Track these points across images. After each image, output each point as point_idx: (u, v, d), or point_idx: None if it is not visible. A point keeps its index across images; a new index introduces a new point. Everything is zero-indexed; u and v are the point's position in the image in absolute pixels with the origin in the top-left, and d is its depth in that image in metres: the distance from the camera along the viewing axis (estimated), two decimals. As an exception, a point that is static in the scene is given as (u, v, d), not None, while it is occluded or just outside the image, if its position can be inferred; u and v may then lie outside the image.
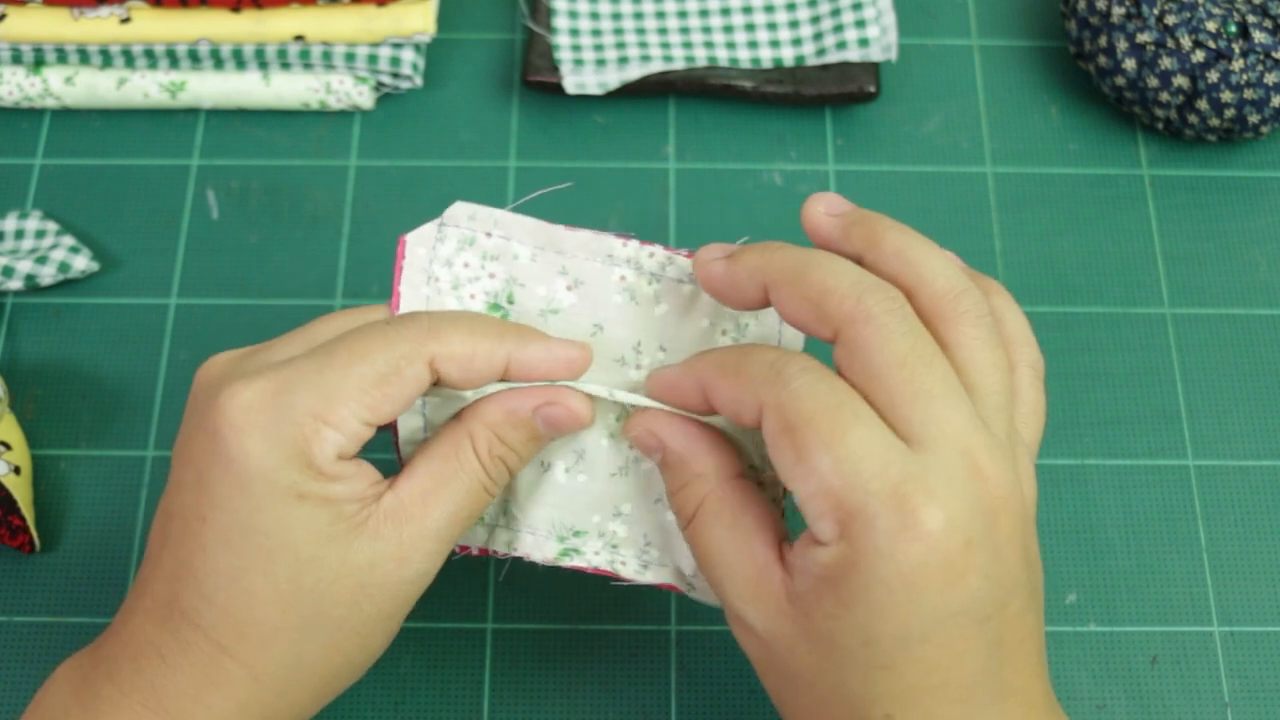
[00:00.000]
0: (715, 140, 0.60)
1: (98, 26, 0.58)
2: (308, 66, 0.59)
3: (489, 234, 0.42)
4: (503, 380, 0.40)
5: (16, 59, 0.59)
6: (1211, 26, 0.56)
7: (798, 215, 0.58)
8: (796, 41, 0.60)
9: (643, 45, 0.60)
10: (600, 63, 0.59)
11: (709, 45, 0.60)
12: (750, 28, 0.61)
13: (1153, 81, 0.57)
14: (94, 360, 0.55)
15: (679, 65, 0.59)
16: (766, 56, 0.60)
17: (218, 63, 0.59)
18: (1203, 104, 0.56)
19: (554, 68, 0.59)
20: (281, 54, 0.58)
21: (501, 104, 0.61)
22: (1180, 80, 0.56)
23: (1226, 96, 0.56)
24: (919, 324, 0.36)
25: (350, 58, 0.59)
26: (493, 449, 0.40)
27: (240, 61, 0.59)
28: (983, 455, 0.35)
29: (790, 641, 0.36)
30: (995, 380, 0.36)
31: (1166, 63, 0.56)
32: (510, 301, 0.42)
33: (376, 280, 0.56)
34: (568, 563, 0.42)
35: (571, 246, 0.42)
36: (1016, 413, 0.38)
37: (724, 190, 0.59)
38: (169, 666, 0.37)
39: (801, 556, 0.36)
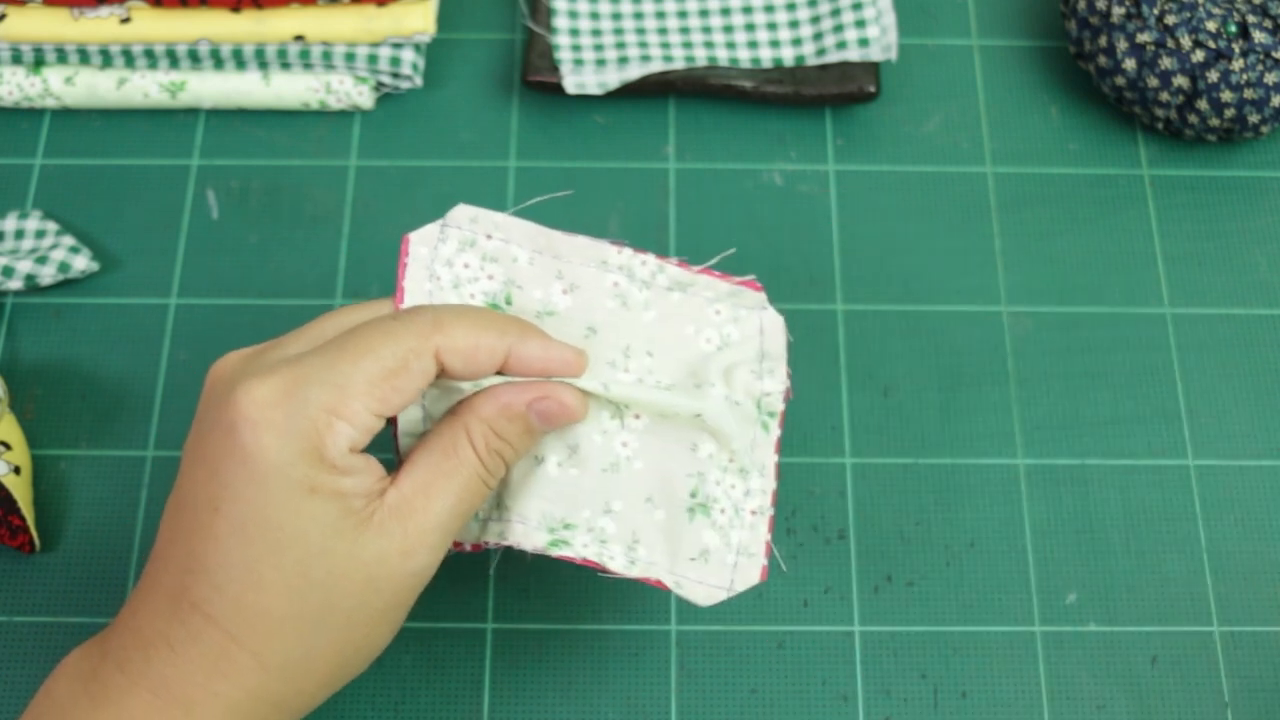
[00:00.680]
0: (715, 140, 0.60)
1: (98, 26, 0.58)
2: (308, 66, 0.59)
3: (489, 236, 0.43)
4: (501, 373, 0.41)
5: (16, 59, 0.59)
6: (1211, 26, 0.56)
7: (798, 215, 0.58)
8: (796, 41, 0.60)
9: (643, 45, 0.60)
10: (600, 63, 0.59)
11: (709, 45, 0.60)
12: (750, 28, 0.61)
13: (1153, 81, 0.57)
14: (94, 360, 0.55)
15: (679, 65, 0.59)
16: (766, 56, 0.60)
17: (218, 63, 0.59)
18: (1203, 104, 0.56)
19: (554, 68, 0.59)
20: (281, 54, 0.58)
21: (501, 104, 0.61)
22: (1180, 80, 0.56)
23: (1226, 96, 0.56)
24: None
25: (350, 58, 0.59)
26: (489, 443, 0.40)
27: (240, 61, 0.59)
28: None
29: None
30: None
31: (1166, 63, 0.56)
32: (508, 303, 0.43)
33: (377, 280, 0.56)
34: (556, 552, 0.42)
35: (568, 252, 0.43)
36: None
37: (724, 190, 0.59)
38: (179, 655, 0.38)
39: None
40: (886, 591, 0.51)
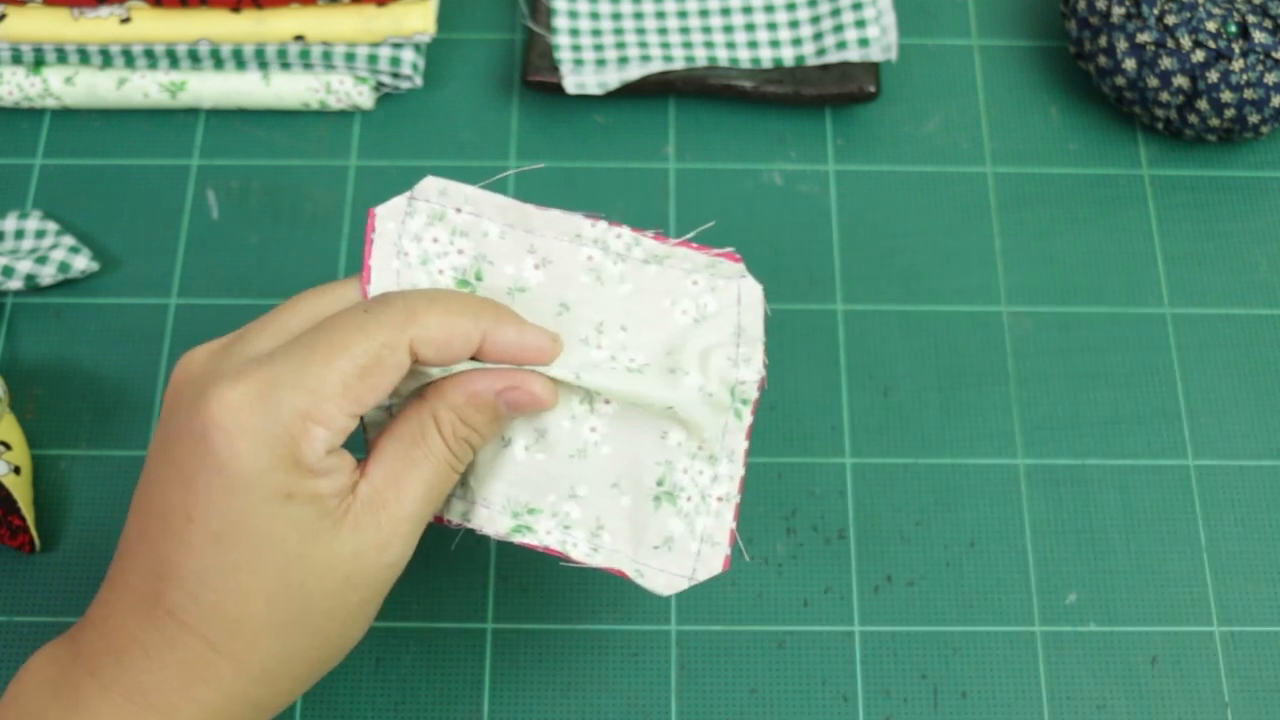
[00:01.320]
0: (715, 140, 0.60)
1: (98, 26, 0.58)
2: (308, 66, 0.59)
3: (459, 210, 0.42)
4: (474, 358, 0.40)
5: (16, 59, 0.59)
6: (1211, 26, 0.56)
7: (798, 215, 0.58)
8: (796, 41, 0.60)
9: (643, 45, 0.60)
10: (600, 63, 0.59)
11: (709, 45, 0.60)
12: (750, 28, 0.61)
13: (1153, 81, 0.57)
14: (94, 360, 0.55)
15: (679, 65, 0.59)
16: (766, 56, 0.60)
17: (218, 63, 0.59)
18: (1203, 104, 0.56)
19: (554, 68, 0.59)
20: (281, 54, 0.58)
21: (501, 104, 0.61)
22: (1180, 80, 0.56)
23: (1226, 96, 0.56)
24: None
25: (350, 58, 0.59)
26: (456, 431, 0.40)
27: (240, 61, 0.59)
28: None
29: None
30: None
31: (1166, 63, 0.56)
32: (478, 278, 0.42)
33: (376, 280, 0.56)
34: (519, 539, 0.42)
35: (540, 225, 0.42)
36: None
37: (724, 190, 0.59)
38: (154, 661, 0.37)
39: None
40: (886, 591, 0.51)
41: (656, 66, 0.59)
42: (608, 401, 0.42)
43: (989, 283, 0.57)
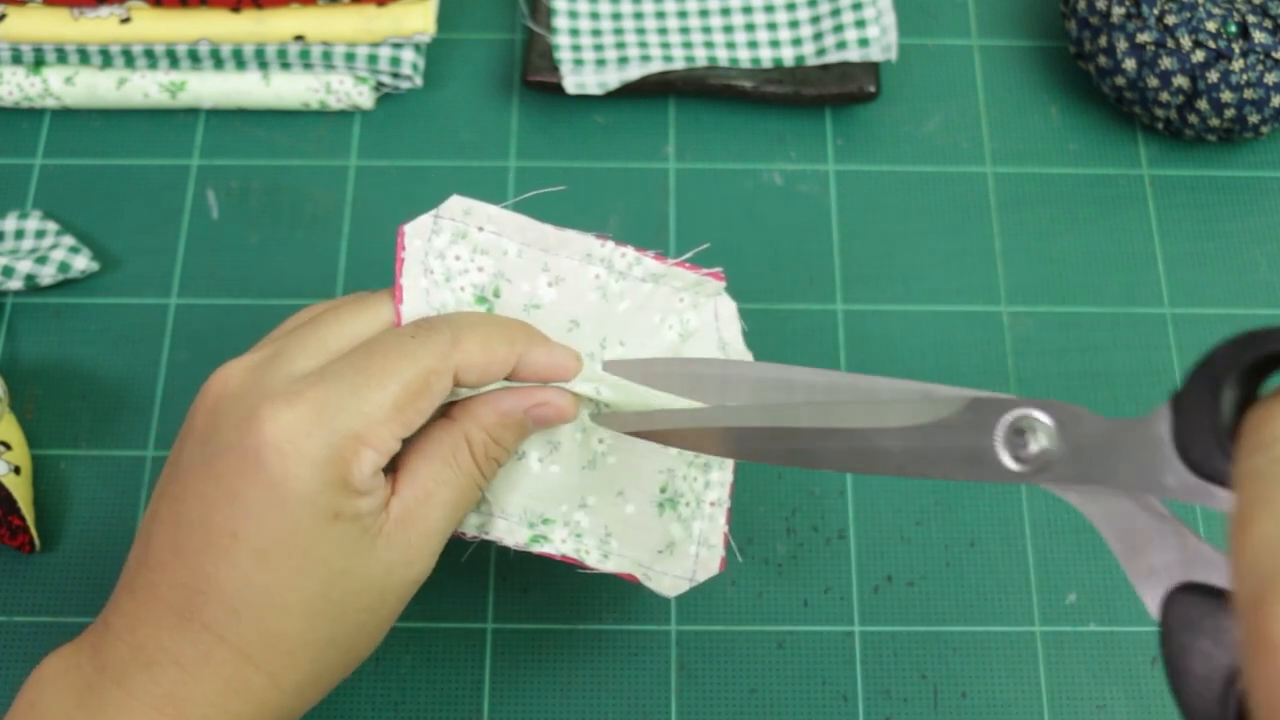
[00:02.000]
0: (715, 140, 0.60)
1: (98, 26, 0.58)
2: (308, 66, 0.59)
3: (480, 229, 0.43)
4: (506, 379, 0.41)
5: (16, 59, 0.59)
6: (1211, 26, 0.56)
7: (798, 215, 0.58)
8: (796, 41, 0.60)
9: (643, 45, 0.60)
10: (600, 63, 0.59)
11: (709, 45, 0.60)
12: (750, 28, 0.61)
13: (1153, 81, 0.57)
14: (94, 360, 0.55)
15: (679, 65, 0.59)
16: (766, 56, 0.60)
17: (218, 63, 0.59)
18: (1203, 104, 0.56)
19: (554, 68, 0.59)
20: (281, 54, 0.58)
21: (501, 104, 0.61)
22: (1180, 80, 0.56)
23: (1226, 96, 0.56)
24: None
25: (350, 58, 0.59)
26: (488, 450, 0.41)
27: (240, 61, 0.59)
28: None
29: None
30: None
31: (1166, 63, 0.56)
32: (496, 295, 0.43)
33: (377, 280, 0.56)
34: (537, 549, 0.43)
35: (555, 244, 0.43)
36: None
37: (724, 190, 0.59)
38: (188, 675, 0.37)
39: None
40: (887, 591, 0.51)
41: (656, 66, 0.59)
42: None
43: (989, 283, 0.57)
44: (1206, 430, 0.30)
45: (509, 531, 0.42)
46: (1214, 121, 0.57)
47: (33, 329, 0.55)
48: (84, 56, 0.58)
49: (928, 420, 0.36)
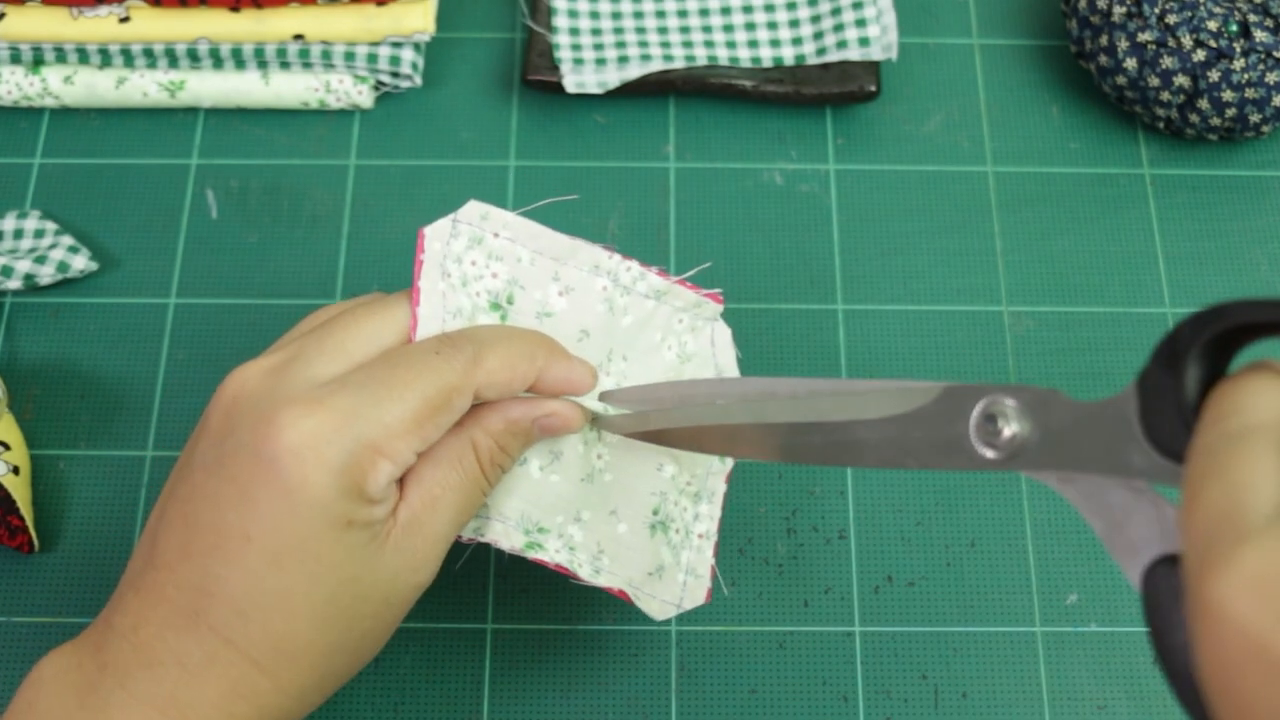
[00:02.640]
0: (715, 140, 0.60)
1: (97, 26, 0.58)
2: (307, 66, 0.59)
3: (496, 235, 0.43)
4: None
5: (15, 58, 0.58)
6: (1213, 25, 0.55)
7: (798, 215, 0.58)
8: (797, 41, 0.60)
9: (643, 44, 0.60)
10: (600, 62, 0.59)
11: (709, 44, 0.60)
12: (750, 27, 0.61)
13: (1154, 80, 0.57)
14: (93, 360, 0.55)
15: (679, 64, 0.59)
16: (767, 56, 0.60)
17: (217, 62, 0.59)
18: (1204, 103, 0.56)
19: (554, 67, 0.59)
20: (281, 53, 0.58)
21: (501, 103, 0.61)
22: (1181, 79, 0.56)
23: (1228, 96, 0.56)
24: None
25: (350, 57, 0.59)
26: (494, 458, 0.41)
27: (239, 61, 0.59)
28: None
29: None
30: None
31: (1167, 62, 0.56)
32: (509, 302, 0.43)
33: (377, 280, 0.56)
34: (532, 555, 0.43)
35: (565, 254, 0.44)
36: None
37: (724, 190, 0.59)
38: (194, 678, 0.37)
39: None
40: (887, 592, 0.51)
41: (656, 66, 0.58)
42: None
43: (989, 282, 0.57)
44: (1171, 409, 0.30)
45: (505, 535, 0.42)
46: (1215, 121, 0.57)
47: (31, 329, 0.55)
48: (83, 56, 0.58)
49: (903, 411, 0.36)
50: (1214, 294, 0.57)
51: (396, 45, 0.59)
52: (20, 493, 0.50)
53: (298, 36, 0.58)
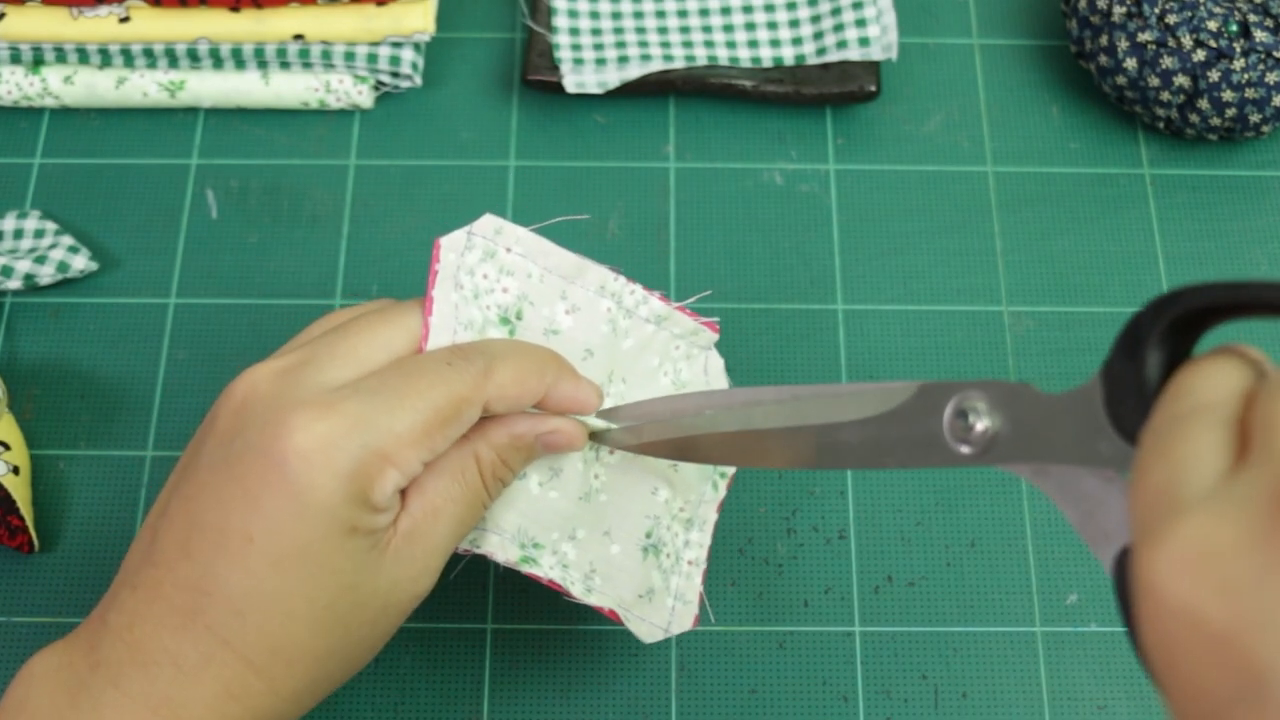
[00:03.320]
0: (715, 139, 0.60)
1: (97, 26, 0.58)
2: (307, 66, 0.59)
3: (509, 250, 0.43)
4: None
5: (15, 58, 0.58)
6: (1213, 25, 0.55)
7: (798, 215, 0.58)
8: (797, 41, 0.60)
9: (643, 44, 0.60)
10: (600, 62, 0.59)
11: (709, 44, 0.60)
12: (750, 27, 0.61)
13: (1154, 80, 0.57)
14: (93, 360, 0.55)
15: (679, 64, 0.59)
16: (767, 56, 0.60)
17: (217, 62, 0.59)
18: (1204, 103, 0.56)
19: (554, 67, 0.59)
20: (281, 53, 0.58)
21: (501, 103, 0.61)
22: (1181, 79, 0.56)
23: (1228, 96, 0.56)
24: None
25: (350, 57, 0.59)
26: (496, 471, 0.41)
27: (240, 61, 0.59)
28: None
29: None
30: None
31: (1167, 62, 0.56)
32: (518, 317, 0.43)
33: (376, 280, 0.56)
34: (526, 569, 0.43)
35: (573, 273, 0.44)
36: None
37: (724, 190, 0.59)
38: (189, 679, 0.37)
39: None
40: (887, 592, 0.51)
41: (656, 66, 0.58)
42: (612, 451, 0.44)
43: (989, 282, 0.57)
44: (1134, 396, 0.31)
45: (500, 547, 0.42)
46: (1215, 121, 0.57)
47: (31, 329, 0.55)
48: (83, 56, 0.58)
49: (881, 411, 0.36)
50: (1214, 294, 0.57)
51: (396, 45, 0.59)
52: (20, 493, 0.50)
53: (298, 36, 0.58)
